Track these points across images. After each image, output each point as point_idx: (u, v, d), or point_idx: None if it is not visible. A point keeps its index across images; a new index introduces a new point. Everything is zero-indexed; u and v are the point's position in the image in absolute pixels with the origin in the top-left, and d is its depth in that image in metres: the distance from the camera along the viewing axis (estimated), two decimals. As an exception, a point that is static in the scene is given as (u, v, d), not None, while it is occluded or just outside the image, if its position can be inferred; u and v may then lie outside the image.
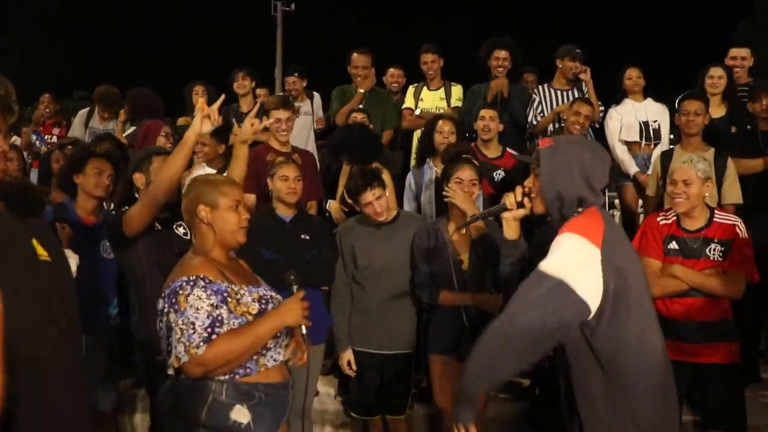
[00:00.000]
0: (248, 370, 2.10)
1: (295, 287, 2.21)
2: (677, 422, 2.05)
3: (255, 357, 2.10)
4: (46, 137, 5.73)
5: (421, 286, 3.21)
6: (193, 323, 1.98)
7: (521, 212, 2.25)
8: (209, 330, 1.99)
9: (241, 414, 2.06)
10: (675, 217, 3.13)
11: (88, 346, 3.14)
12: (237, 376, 2.08)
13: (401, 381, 3.35)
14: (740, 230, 3.04)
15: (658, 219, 3.16)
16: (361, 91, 5.08)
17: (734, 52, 5.00)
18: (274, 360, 2.17)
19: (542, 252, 3.22)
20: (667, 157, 4.13)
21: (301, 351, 2.30)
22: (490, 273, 3.15)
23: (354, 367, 3.32)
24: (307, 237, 3.23)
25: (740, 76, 4.93)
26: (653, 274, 3.05)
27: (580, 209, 2.03)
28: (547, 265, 1.88)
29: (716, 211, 3.12)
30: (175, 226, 2.87)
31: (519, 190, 2.22)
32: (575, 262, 1.88)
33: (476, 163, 3.25)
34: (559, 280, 1.84)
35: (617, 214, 5.61)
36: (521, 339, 1.82)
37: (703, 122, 4.07)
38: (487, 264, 3.14)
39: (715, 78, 4.66)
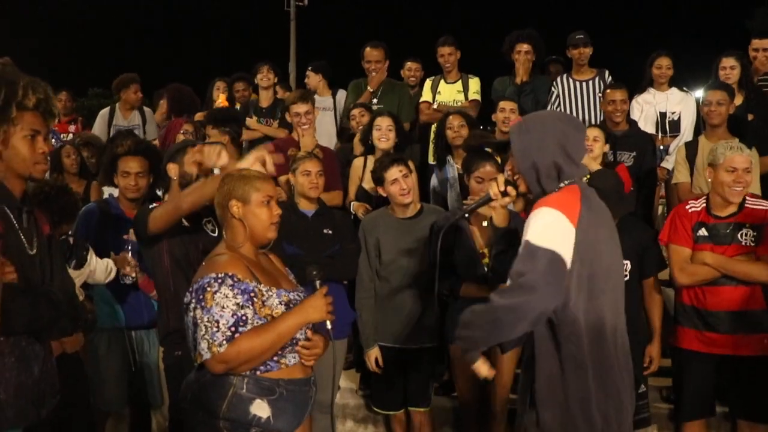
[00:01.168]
0: (269, 367, 2.12)
1: (318, 282, 2.23)
2: (629, 417, 2.05)
3: (276, 357, 2.11)
4: (62, 135, 5.78)
5: (442, 279, 3.18)
6: (217, 321, 2.01)
7: (507, 200, 2.26)
8: (233, 329, 2.02)
9: (261, 408, 2.08)
10: (704, 204, 3.10)
11: (139, 341, 3.31)
12: (258, 372, 2.10)
13: (425, 375, 3.36)
14: None
15: (687, 207, 3.15)
16: (370, 89, 5.07)
17: (756, 43, 4.88)
18: (296, 358, 2.18)
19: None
20: (692, 147, 4.09)
21: (314, 349, 2.27)
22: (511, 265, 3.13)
23: (381, 364, 3.33)
24: (330, 231, 3.25)
25: (763, 65, 4.82)
26: (683, 262, 3.05)
27: (561, 185, 2.02)
28: (534, 237, 1.91)
29: (747, 197, 3.07)
30: (204, 222, 2.87)
31: (501, 178, 2.24)
32: (558, 234, 1.91)
33: (498, 158, 3.24)
34: (552, 250, 1.88)
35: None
36: (525, 312, 1.87)
37: (727, 112, 4.03)
38: (509, 256, 3.12)
39: (728, 69, 4.60)
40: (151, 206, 2.67)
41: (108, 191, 3.78)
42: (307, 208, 3.28)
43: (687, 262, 3.05)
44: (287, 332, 2.09)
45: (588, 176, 3.47)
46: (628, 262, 3.05)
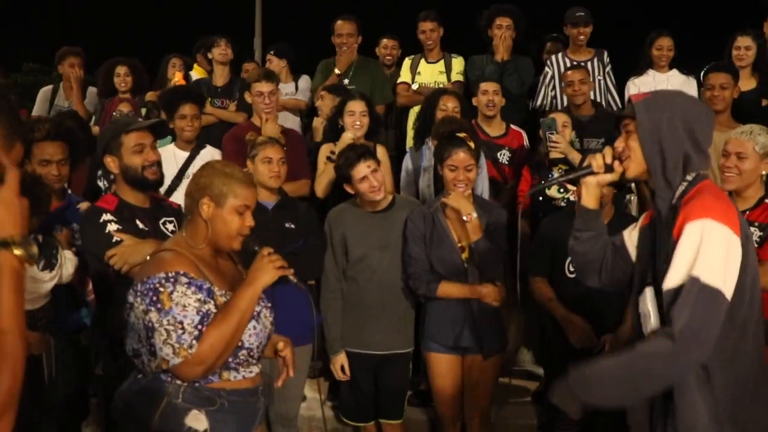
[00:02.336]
0: (209, 379, 2.09)
1: (256, 248, 2.20)
2: None
3: (217, 371, 2.10)
4: None
5: (417, 277, 3.21)
6: (181, 322, 1.99)
7: (609, 177, 2.13)
8: (200, 327, 2.01)
9: (197, 420, 2.05)
10: None
11: (57, 354, 3.13)
12: (197, 382, 2.07)
13: (398, 383, 3.37)
14: None
15: None
16: (337, 72, 5.05)
17: None
18: (243, 377, 2.16)
19: (554, 243, 3.24)
20: None
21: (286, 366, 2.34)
22: (493, 262, 3.18)
23: (348, 371, 3.34)
24: (292, 225, 3.22)
25: None
26: None
27: (688, 177, 1.97)
28: (706, 273, 1.82)
29: None
30: (162, 222, 2.84)
31: (608, 150, 2.12)
32: (733, 263, 1.85)
33: (471, 144, 3.22)
34: (718, 290, 1.81)
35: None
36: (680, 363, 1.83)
37: (731, 96, 4.06)
38: (489, 252, 3.16)
39: (742, 49, 4.65)
40: (101, 218, 2.69)
41: None
42: (267, 199, 3.24)
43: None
44: (247, 307, 2.08)
45: None
46: None
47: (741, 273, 1.88)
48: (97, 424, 3.79)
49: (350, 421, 3.50)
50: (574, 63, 4.97)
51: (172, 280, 2.03)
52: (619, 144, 2.08)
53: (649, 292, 2.05)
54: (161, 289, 2.02)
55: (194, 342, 1.99)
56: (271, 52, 5.53)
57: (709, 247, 1.85)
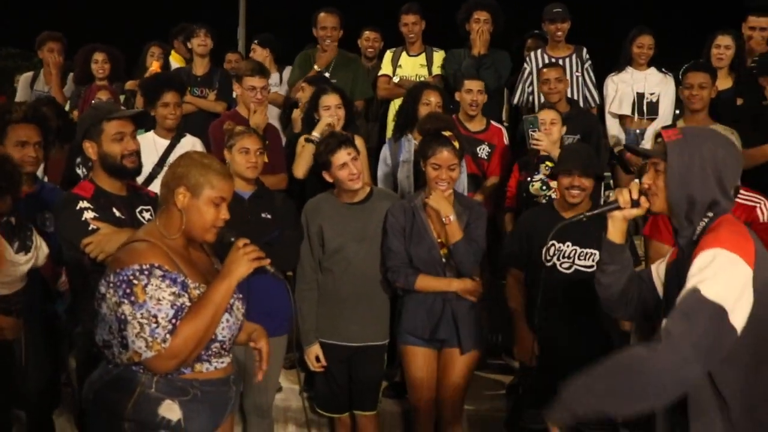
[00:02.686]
0: (181, 372, 2.11)
1: (232, 239, 2.20)
2: None
3: (191, 363, 2.11)
4: None
5: (396, 270, 3.23)
6: (155, 316, 1.99)
7: (635, 212, 2.15)
8: (174, 321, 2.01)
9: (170, 410, 2.08)
10: None
11: (28, 341, 3.10)
12: (169, 374, 2.09)
13: (372, 375, 3.39)
14: (762, 212, 3.01)
15: None
16: (317, 68, 5.04)
17: (753, 21, 4.94)
18: (214, 368, 2.18)
19: (531, 233, 3.27)
20: None
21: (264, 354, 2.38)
22: (472, 259, 3.22)
23: (323, 361, 3.36)
24: (269, 216, 3.22)
25: (759, 45, 4.90)
26: (658, 258, 3.04)
27: (710, 214, 1.98)
28: (707, 289, 1.81)
29: (741, 190, 3.05)
30: (140, 210, 2.81)
31: (635, 186, 2.14)
32: (735, 286, 1.83)
33: (455, 143, 3.25)
34: (720, 306, 1.80)
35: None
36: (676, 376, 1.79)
37: (709, 96, 4.09)
38: (467, 249, 3.20)
39: (722, 48, 4.68)
40: (78, 206, 2.66)
41: None
42: (243, 189, 3.23)
43: (662, 258, 3.12)
44: (222, 300, 2.09)
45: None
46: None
47: (762, 308, 1.85)
48: (70, 413, 3.78)
49: (324, 412, 3.52)
50: (552, 60, 5.00)
51: (146, 272, 2.03)
52: (647, 181, 2.09)
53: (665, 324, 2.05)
54: (135, 282, 2.02)
55: (168, 336, 2.00)
56: (256, 42, 5.52)
57: (718, 270, 1.84)
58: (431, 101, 4.11)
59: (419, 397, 3.34)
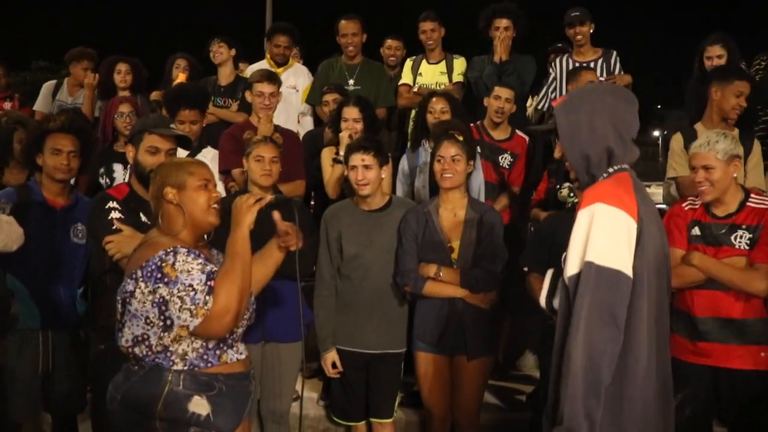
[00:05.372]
0: (209, 363, 2.22)
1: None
2: None
3: (217, 353, 2.24)
4: None
5: (406, 274, 3.27)
6: (191, 285, 2.13)
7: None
8: (209, 283, 2.15)
9: (199, 405, 2.17)
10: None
11: (55, 343, 3.25)
12: (196, 368, 2.20)
13: (389, 383, 3.41)
14: None
15: (684, 205, 3.20)
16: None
17: None
18: (236, 358, 2.31)
19: (552, 238, 3.31)
20: (689, 136, 4.02)
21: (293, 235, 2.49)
22: (483, 263, 3.25)
23: (339, 368, 3.39)
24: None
25: None
26: (674, 264, 3.02)
27: (611, 169, 2.02)
28: (597, 255, 1.88)
29: (752, 195, 3.09)
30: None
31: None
32: (622, 242, 1.89)
33: (459, 137, 3.30)
34: (618, 271, 1.87)
35: None
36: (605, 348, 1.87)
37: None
38: (479, 253, 3.23)
39: (714, 59, 4.63)
40: (107, 205, 2.84)
41: None
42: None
43: (677, 263, 3.07)
44: (242, 249, 2.23)
45: None
46: None
47: (638, 262, 1.92)
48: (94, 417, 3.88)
49: (341, 420, 3.55)
50: (583, 65, 4.98)
51: (171, 253, 2.18)
52: (557, 153, 2.21)
53: (549, 272, 2.16)
54: (163, 264, 2.16)
55: (208, 298, 2.13)
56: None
57: (599, 230, 1.91)
58: (436, 108, 4.19)
59: (432, 403, 3.37)
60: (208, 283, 2.15)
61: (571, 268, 1.96)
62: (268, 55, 5.61)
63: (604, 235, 1.91)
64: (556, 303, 2.10)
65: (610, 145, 2.01)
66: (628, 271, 1.90)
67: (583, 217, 1.96)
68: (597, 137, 2.01)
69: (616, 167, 2.04)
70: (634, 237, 1.92)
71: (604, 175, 2.04)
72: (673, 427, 2.09)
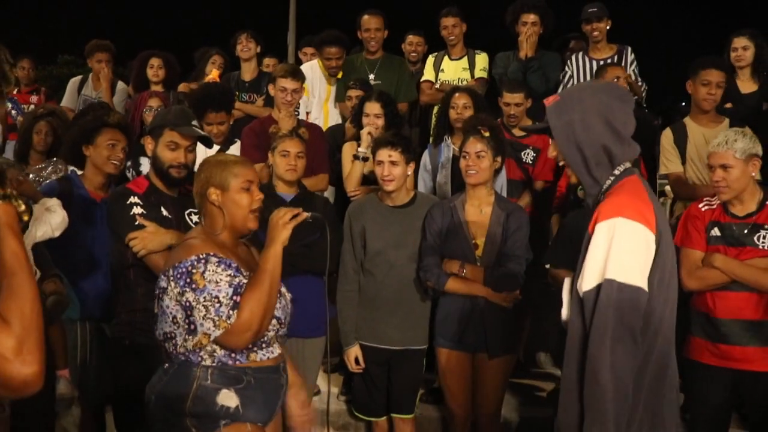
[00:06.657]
0: (237, 362, 2.25)
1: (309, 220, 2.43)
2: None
3: (245, 352, 2.26)
4: (23, 106, 5.84)
5: (429, 270, 3.27)
6: (217, 297, 2.16)
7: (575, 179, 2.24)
8: (235, 298, 2.17)
9: (228, 398, 2.21)
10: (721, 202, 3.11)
11: (93, 334, 3.32)
12: (224, 364, 2.23)
13: (411, 379, 3.43)
14: None
15: (701, 206, 3.16)
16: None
17: None
18: (267, 357, 2.32)
19: (577, 235, 3.31)
20: (680, 131, 3.98)
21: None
22: (508, 262, 3.24)
23: (362, 363, 3.41)
24: (309, 219, 3.34)
25: None
26: (692, 265, 3.05)
27: (616, 171, 2.01)
28: (617, 272, 1.89)
29: None
30: (188, 213, 2.96)
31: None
32: (642, 257, 1.90)
33: (485, 133, 3.30)
34: (637, 287, 1.88)
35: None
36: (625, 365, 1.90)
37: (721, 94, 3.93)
38: (504, 251, 3.24)
39: (739, 50, 4.58)
40: (128, 200, 2.85)
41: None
42: (285, 192, 3.35)
43: (697, 265, 3.06)
44: (273, 267, 2.24)
45: None
46: None
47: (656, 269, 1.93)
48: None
49: (362, 415, 3.57)
50: (593, 62, 4.94)
51: (203, 261, 2.20)
52: (551, 152, 2.16)
53: (567, 283, 2.14)
54: (194, 271, 2.19)
55: (231, 312, 2.16)
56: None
57: (620, 247, 1.90)
58: (459, 104, 4.19)
59: (453, 400, 3.38)
60: (234, 297, 2.18)
61: (588, 282, 1.96)
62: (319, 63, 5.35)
63: (626, 251, 1.90)
64: (564, 313, 2.10)
65: (607, 144, 2.00)
66: (645, 285, 1.91)
67: (602, 231, 1.94)
68: (592, 136, 2.00)
69: (620, 168, 2.03)
70: (653, 251, 1.93)
71: (611, 178, 2.03)
72: (665, 421, 2.07)
